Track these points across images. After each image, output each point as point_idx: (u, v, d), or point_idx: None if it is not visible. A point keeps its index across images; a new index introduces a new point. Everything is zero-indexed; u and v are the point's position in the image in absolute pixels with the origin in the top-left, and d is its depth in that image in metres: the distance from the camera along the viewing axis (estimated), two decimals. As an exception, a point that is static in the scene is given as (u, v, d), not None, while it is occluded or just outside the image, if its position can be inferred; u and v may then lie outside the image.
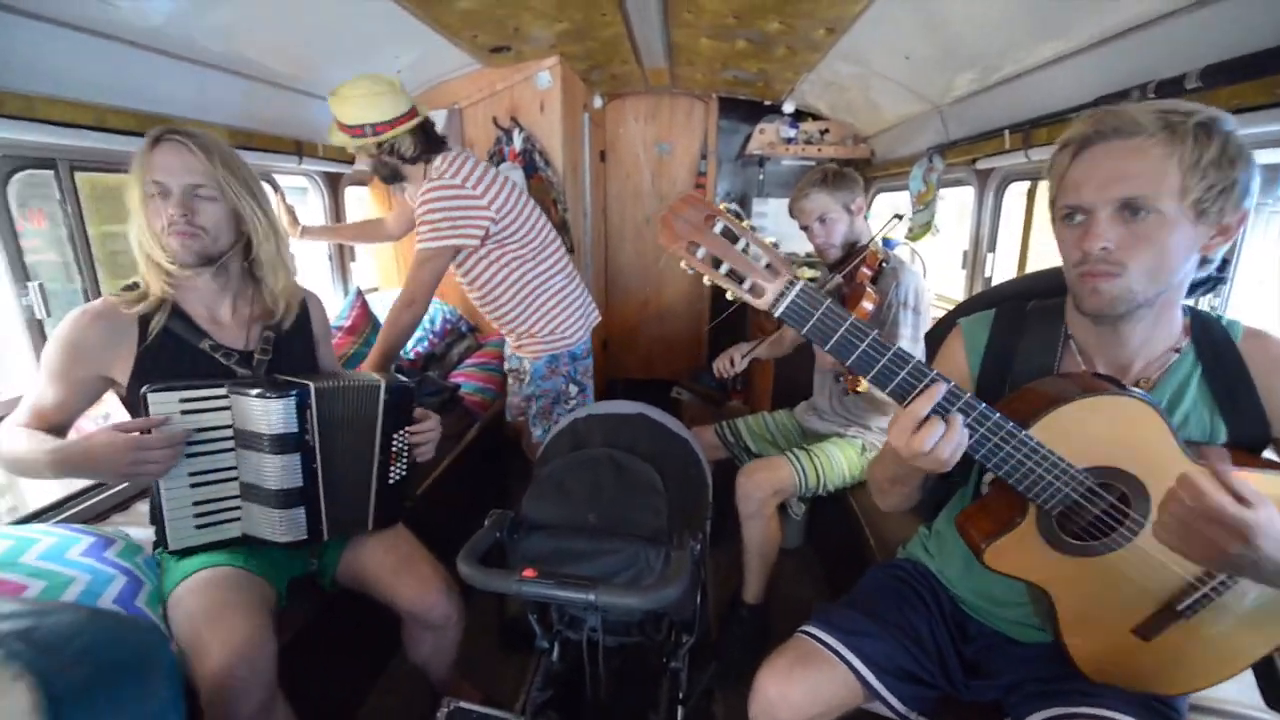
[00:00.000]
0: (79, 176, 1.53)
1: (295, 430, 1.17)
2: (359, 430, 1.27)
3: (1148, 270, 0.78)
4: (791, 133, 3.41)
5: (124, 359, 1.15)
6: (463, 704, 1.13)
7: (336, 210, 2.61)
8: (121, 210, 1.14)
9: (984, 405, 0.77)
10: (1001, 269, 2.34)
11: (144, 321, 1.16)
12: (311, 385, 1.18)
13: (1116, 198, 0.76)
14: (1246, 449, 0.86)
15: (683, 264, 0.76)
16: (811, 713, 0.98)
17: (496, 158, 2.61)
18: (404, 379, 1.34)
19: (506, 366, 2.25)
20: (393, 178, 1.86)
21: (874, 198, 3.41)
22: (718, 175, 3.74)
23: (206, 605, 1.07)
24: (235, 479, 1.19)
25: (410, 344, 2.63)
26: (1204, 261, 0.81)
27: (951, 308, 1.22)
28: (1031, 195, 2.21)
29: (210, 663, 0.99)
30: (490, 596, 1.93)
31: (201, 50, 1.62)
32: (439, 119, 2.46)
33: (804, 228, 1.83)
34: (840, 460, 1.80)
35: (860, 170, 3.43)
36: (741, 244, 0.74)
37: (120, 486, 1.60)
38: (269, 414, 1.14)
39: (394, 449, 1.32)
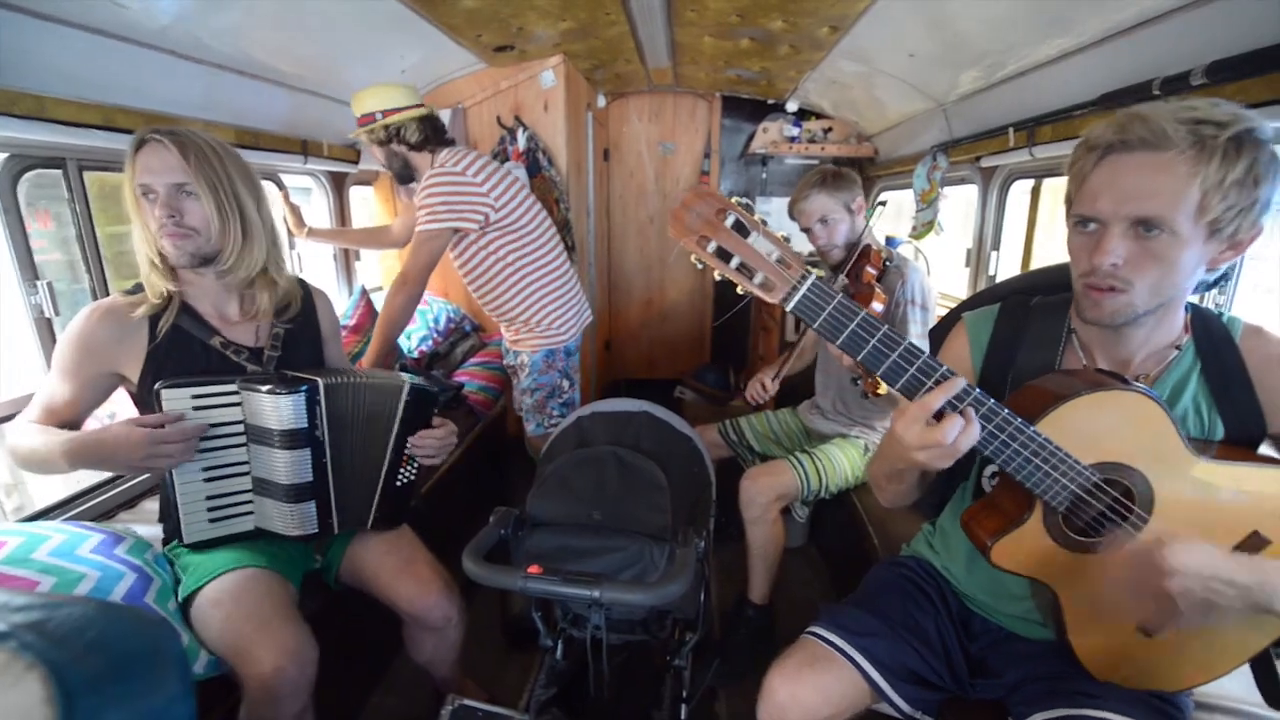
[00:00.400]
0: (87, 176, 1.54)
1: (305, 425, 1.18)
2: (376, 427, 1.28)
3: (1152, 287, 0.78)
4: (795, 131, 3.41)
5: (134, 356, 1.16)
6: (467, 702, 1.13)
7: (341, 210, 2.62)
8: (127, 211, 1.15)
9: (993, 401, 0.77)
10: (1005, 267, 2.33)
11: (154, 319, 1.17)
12: (321, 381, 1.19)
13: (1133, 215, 0.75)
14: (1243, 444, 0.86)
15: (693, 258, 0.76)
16: (822, 715, 0.98)
17: (500, 157, 2.61)
18: (427, 383, 1.34)
19: (505, 363, 2.27)
20: (404, 171, 1.91)
21: (878, 195, 3.40)
22: (721, 174, 3.74)
23: (249, 609, 1.09)
24: (247, 473, 1.21)
25: (414, 343, 2.65)
26: (1208, 271, 0.80)
27: (955, 305, 1.22)
28: (1036, 193, 2.20)
29: (262, 666, 1.02)
30: (494, 594, 1.94)
31: (208, 50, 1.63)
32: (443, 118, 2.47)
33: (805, 230, 1.83)
34: (843, 462, 1.80)
35: (864, 169, 3.42)
36: (753, 238, 0.73)
37: (127, 484, 1.61)
38: (279, 410, 1.15)
39: (406, 452, 1.32)
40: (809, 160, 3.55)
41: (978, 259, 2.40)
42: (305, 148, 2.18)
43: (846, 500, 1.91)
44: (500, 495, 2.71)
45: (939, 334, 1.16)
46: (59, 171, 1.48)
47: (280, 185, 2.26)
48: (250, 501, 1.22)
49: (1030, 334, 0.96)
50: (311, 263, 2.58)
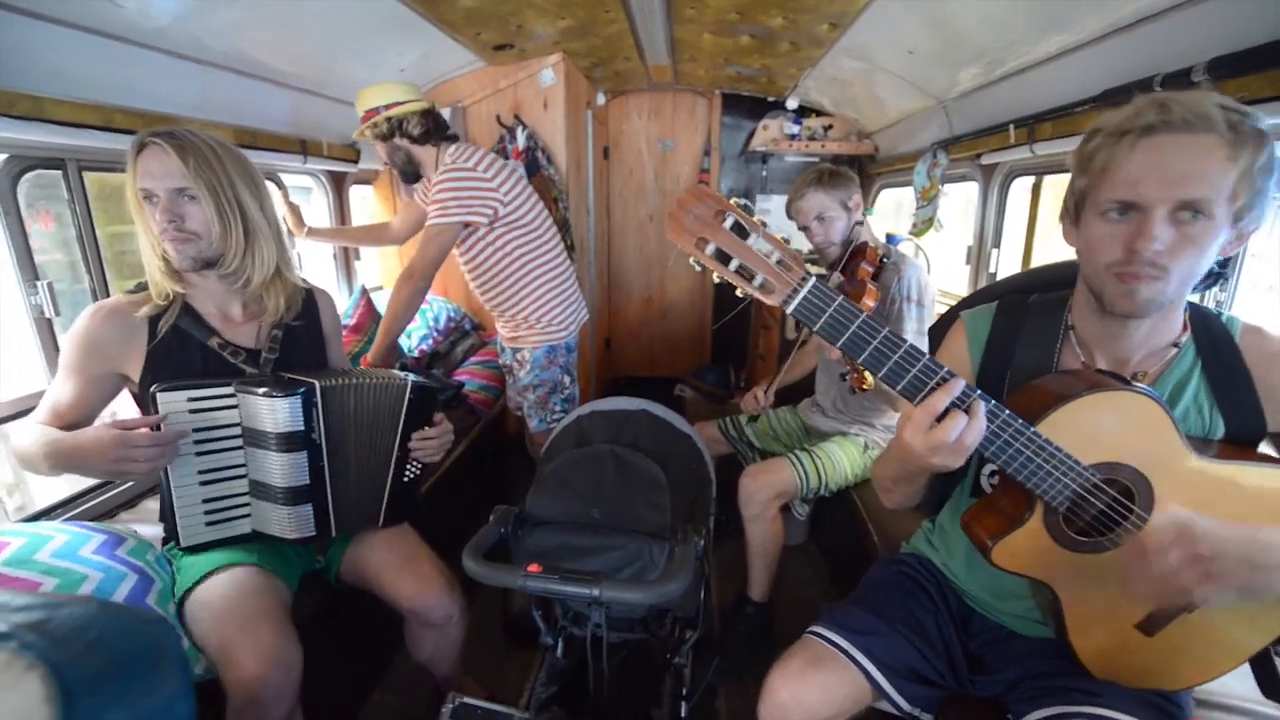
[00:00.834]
0: (87, 176, 1.54)
1: (301, 428, 1.18)
2: (378, 427, 1.28)
3: (1184, 275, 0.76)
4: (795, 129, 3.40)
5: (136, 356, 1.16)
6: (467, 700, 1.14)
7: (341, 209, 2.62)
8: (127, 212, 1.15)
9: (993, 402, 0.76)
10: (1006, 265, 2.33)
11: (154, 319, 1.17)
12: (317, 383, 1.19)
13: (1179, 198, 0.72)
14: (1243, 443, 0.86)
15: (691, 260, 0.75)
16: (824, 715, 0.98)
17: (500, 155, 2.61)
18: (428, 380, 1.35)
19: (501, 361, 2.27)
20: (407, 166, 1.91)
21: (878, 193, 3.40)
22: (721, 172, 3.73)
23: (235, 610, 1.08)
24: (244, 477, 1.21)
25: (414, 342, 2.65)
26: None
27: (955, 303, 1.22)
28: (1036, 190, 2.19)
29: (244, 671, 1.01)
30: (494, 593, 1.95)
31: (206, 50, 1.63)
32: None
33: (802, 228, 1.84)
34: (842, 460, 1.80)
35: (864, 166, 3.42)
36: (752, 239, 0.72)
37: (127, 484, 1.62)
38: (275, 412, 1.15)
39: (410, 449, 1.33)
40: (809, 158, 3.54)
41: (978, 256, 2.39)
42: (304, 147, 2.18)
43: (846, 498, 1.91)
44: (500, 494, 2.71)
45: (937, 332, 1.16)
46: (59, 172, 1.48)
47: (280, 185, 2.26)
48: (248, 505, 1.22)
49: (1028, 332, 0.96)
50: (312, 262, 2.59)
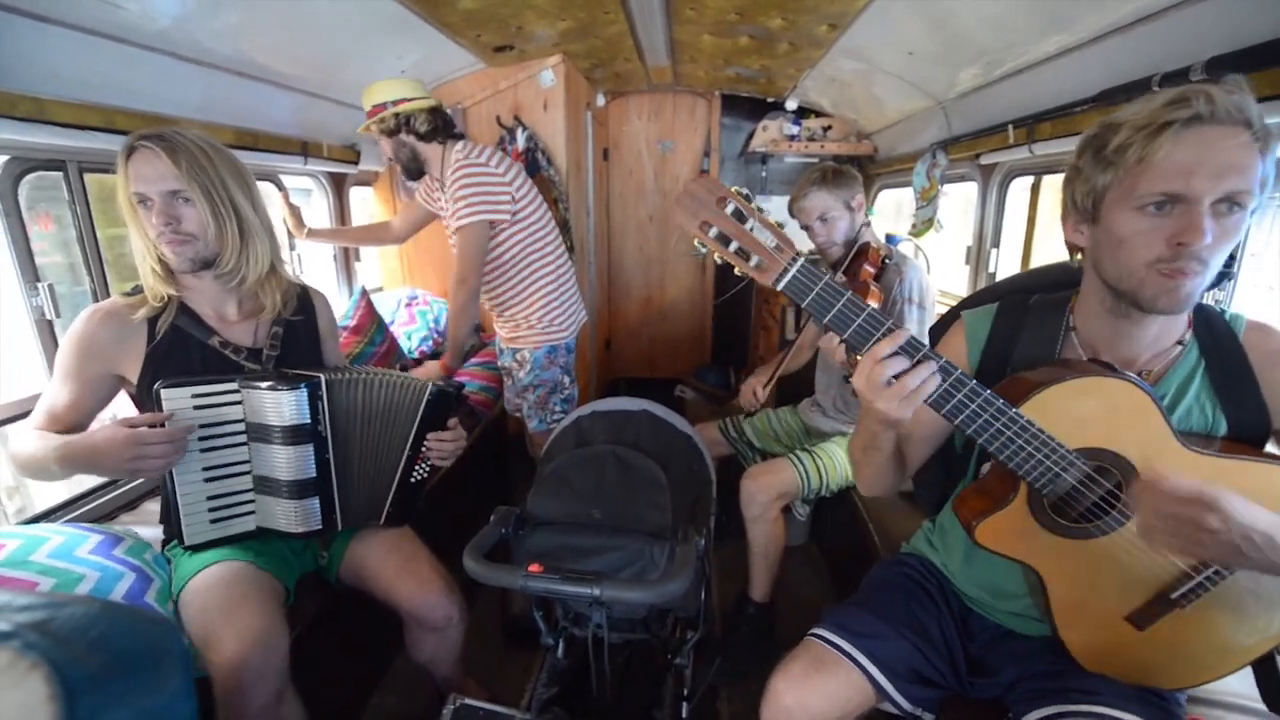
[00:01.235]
0: (88, 178, 1.54)
1: (307, 421, 1.19)
2: (392, 424, 1.30)
3: (1217, 267, 0.75)
4: (794, 129, 3.41)
5: (134, 357, 1.16)
6: (468, 701, 1.14)
7: (341, 211, 2.62)
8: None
9: (975, 381, 0.78)
10: (1005, 265, 2.33)
11: (152, 320, 1.18)
12: (323, 377, 1.21)
13: (1228, 190, 0.70)
14: (1247, 441, 0.86)
15: (695, 241, 0.80)
16: (827, 718, 0.98)
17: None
18: (452, 384, 1.36)
19: (500, 363, 2.26)
20: (412, 162, 1.91)
21: (877, 194, 3.41)
22: (720, 173, 3.74)
23: (220, 598, 1.09)
24: (248, 473, 1.21)
25: (414, 343, 2.65)
26: None
27: (955, 304, 1.22)
28: (1035, 190, 2.20)
29: (225, 653, 1.01)
30: (495, 594, 1.94)
31: (208, 52, 1.63)
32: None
33: (805, 227, 1.83)
34: (843, 460, 1.80)
35: (863, 167, 3.42)
36: (749, 224, 0.77)
37: (128, 486, 1.62)
38: (281, 406, 1.16)
39: (423, 450, 1.34)
40: (808, 158, 3.55)
41: (978, 256, 2.39)
42: (305, 148, 2.18)
43: (847, 498, 1.91)
44: (501, 494, 2.71)
45: (938, 332, 1.16)
46: (60, 174, 1.48)
47: (280, 186, 2.26)
48: (252, 501, 1.23)
49: (1028, 331, 0.96)
50: (312, 264, 2.59)
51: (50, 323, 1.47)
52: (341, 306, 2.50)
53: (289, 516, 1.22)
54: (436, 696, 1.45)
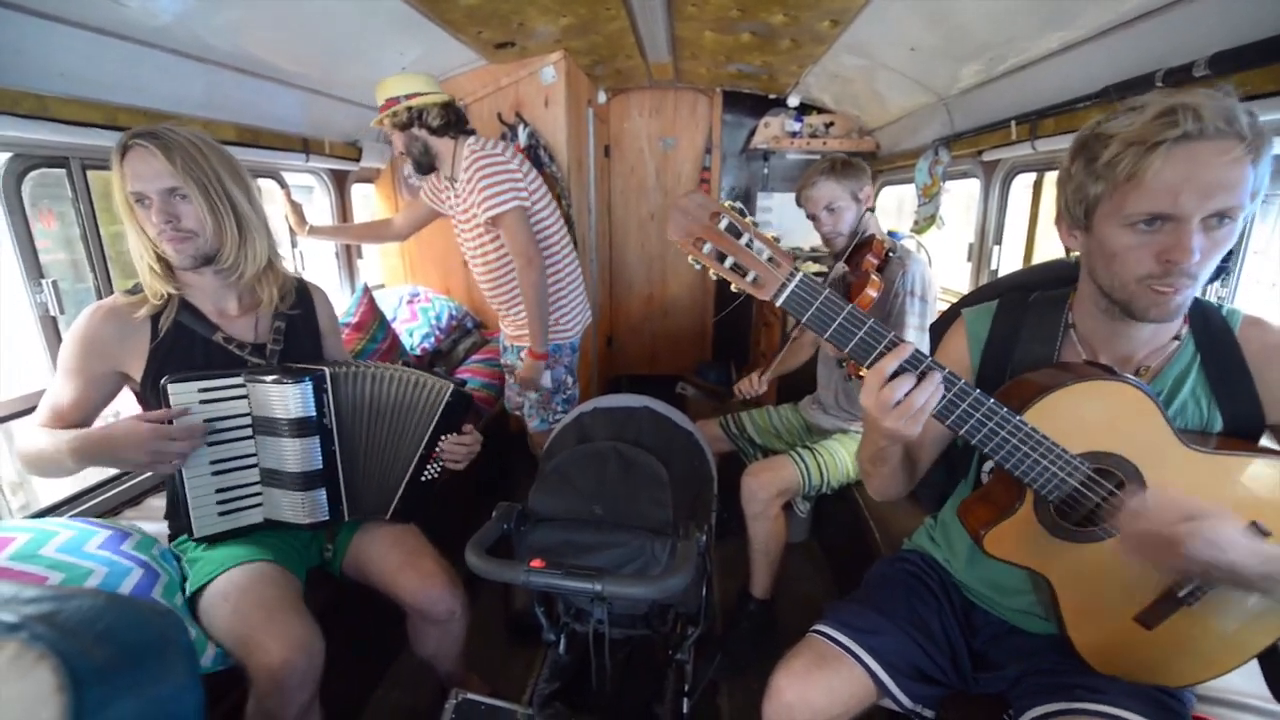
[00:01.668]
0: (91, 175, 1.55)
1: (313, 414, 1.21)
2: (406, 420, 1.31)
3: (1206, 276, 0.76)
4: (796, 126, 3.40)
5: (137, 354, 1.17)
6: (470, 695, 1.14)
7: (343, 208, 2.63)
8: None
9: (979, 391, 0.78)
10: (1007, 261, 2.32)
11: (155, 317, 1.18)
12: (327, 370, 1.23)
13: (1216, 208, 0.70)
14: (1243, 436, 0.86)
15: (689, 258, 0.79)
16: (829, 714, 0.98)
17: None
18: (465, 387, 1.37)
19: (503, 361, 2.26)
20: (424, 156, 1.90)
21: (879, 190, 3.40)
22: (722, 170, 3.73)
23: (257, 600, 1.10)
24: (255, 465, 1.23)
25: (416, 340, 2.66)
26: None
27: (956, 300, 1.22)
28: (1038, 187, 2.19)
29: (271, 657, 1.03)
30: (497, 590, 1.95)
31: (209, 49, 1.63)
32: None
33: (811, 216, 1.83)
34: (844, 457, 1.80)
35: (866, 164, 3.41)
36: (744, 239, 0.76)
37: (132, 481, 1.62)
38: (286, 399, 1.18)
39: (437, 450, 1.35)
40: (810, 155, 3.54)
41: (980, 253, 2.39)
42: (306, 145, 2.18)
43: (848, 495, 1.91)
44: (503, 491, 2.72)
45: (939, 330, 1.16)
46: (63, 171, 1.49)
47: (282, 183, 2.26)
48: (259, 494, 1.24)
49: (1027, 329, 0.96)
50: (314, 261, 2.59)
51: (54, 319, 1.48)
52: (343, 303, 2.51)
53: (296, 508, 1.24)
54: (439, 691, 1.46)
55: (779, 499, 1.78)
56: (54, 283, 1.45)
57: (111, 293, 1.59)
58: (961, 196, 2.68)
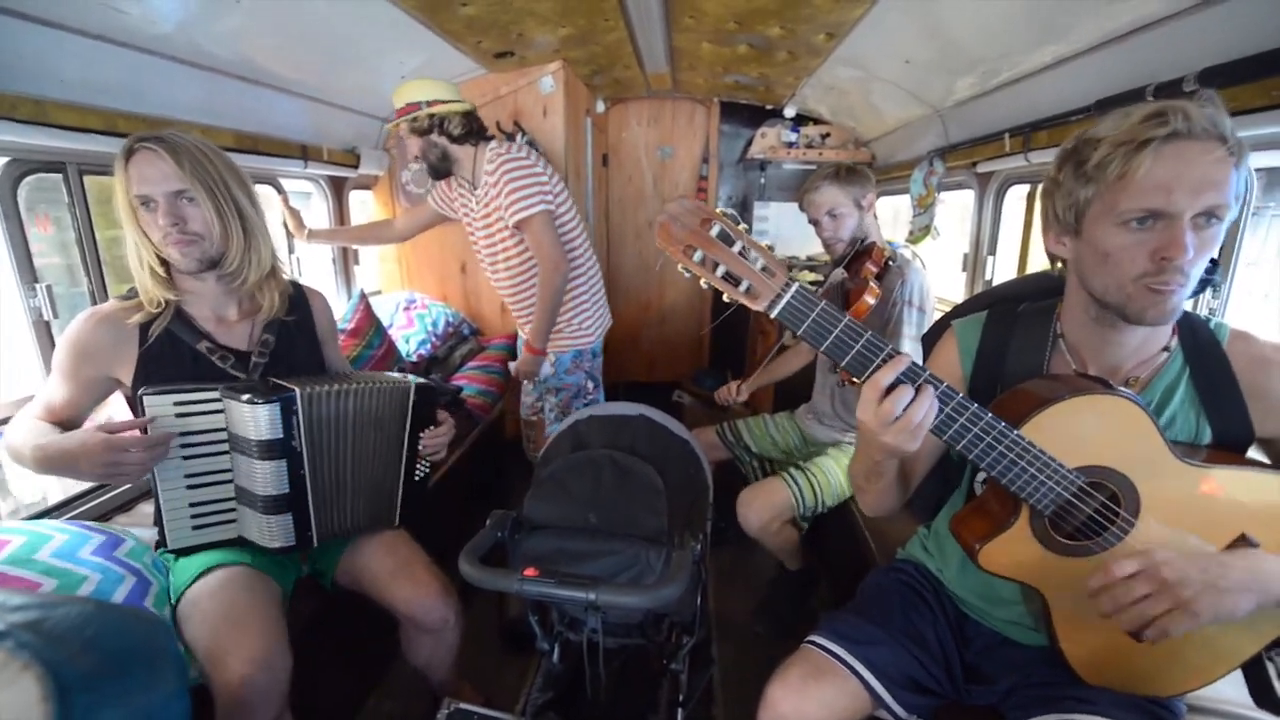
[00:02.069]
0: (87, 180, 1.55)
1: (280, 436, 1.16)
2: (381, 430, 1.29)
3: (1197, 277, 0.76)
4: (793, 137, 3.43)
5: (127, 361, 1.17)
6: (463, 705, 1.13)
7: (340, 214, 2.63)
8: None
9: (976, 405, 0.77)
10: (1001, 272, 2.34)
11: (146, 325, 1.18)
12: (299, 391, 1.17)
13: (1207, 205, 0.72)
14: (1231, 448, 0.86)
15: (680, 267, 0.76)
16: None
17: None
18: (428, 379, 1.36)
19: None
20: (441, 163, 1.89)
21: (875, 201, 3.42)
22: (719, 179, 3.75)
23: (224, 610, 1.08)
24: (231, 481, 1.20)
25: (412, 347, 2.65)
26: None
27: (945, 313, 1.23)
28: (1031, 199, 2.21)
29: (230, 673, 1.00)
30: (491, 598, 1.94)
31: (209, 56, 1.64)
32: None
33: (813, 221, 1.83)
34: (837, 474, 1.80)
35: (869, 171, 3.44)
36: (737, 247, 0.74)
37: (123, 488, 1.61)
38: (256, 419, 1.14)
39: (420, 448, 1.34)
40: (807, 165, 3.56)
41: (974, 263, 2.41)
42: (305, 152, 2.19)
43: (843, 506, 1.91)
44: (497, 498, 2.71)
45: (929, 342, 1.16)
46: (59, 176, 1.49)
47: (280, 189, 2.27)
48: (234, 510, 1.21)
49: (1017, 340, 0.96)
50: (310, 266, 2.59)
51: (48, 324, 1.47)
52: (340, 309, 2.51)
53: (263, 530, 1.20)
54: (432, 700, 1.44)
55: (774, 522, 1.79)
56: (48, 287, 1.45)
57: (106, 297, 1.59)
58: (956, 208, 2.70)
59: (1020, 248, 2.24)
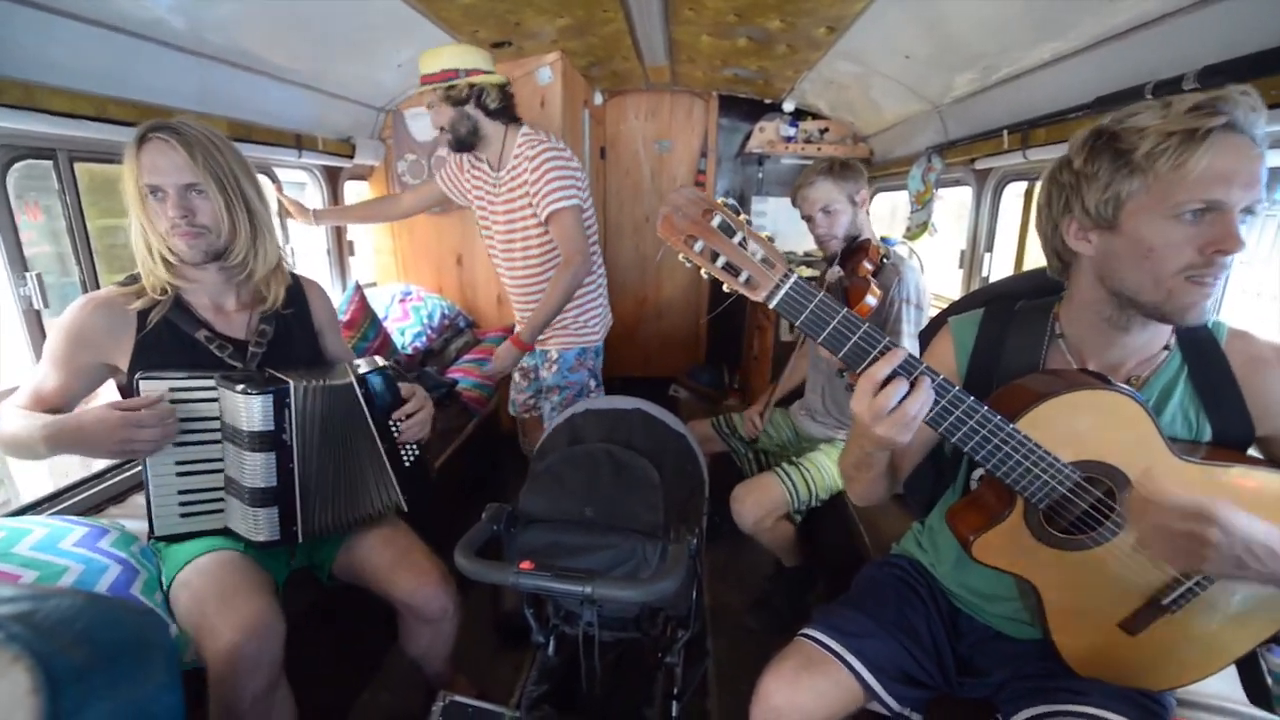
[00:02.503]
0: (78, 167, 1.53)
1: (271, 429, 1.15)
2: (354, 426, 1.27)
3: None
4: (791, 131, 3.42)
5: (125, 347, 1.16)
6: (458, 697, 1.14)
7: (335, 204, 2.61)
8: (119, 204, 1.14)
9: (972, 398, 0.78)
10: (999, 268, 2.35)
11: (144, 311, 1.17)
12: (291, 383, 1.16)
13: (1254, 199, 0.71)
14: (1231, 447, 0.87)
15: (681, 256, 0.77)
16: (817, 718, 0.98)
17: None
18: (378, 364, 1.32)
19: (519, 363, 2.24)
20: (470, 136, 1.81)
21: (873, 197, 3.42)
22: (717, 173, 3.74)
23: (214, 586, 1.08)
24: (221, 470, 1.20)
25: (408, 339, 2.64)
26: None
27: (942, 309, 1.23)
28: (1029, 195, 2.21)
29: (220, 641, 1.01)
30: (486, 591, 1.94)
31: (202, 42, 1.62)
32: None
33: (806, 217, 1.82)
34: (830, 468, 1.81)
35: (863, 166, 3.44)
36: (738, 238, 0.75)
37: (116, 479, 1.60)
38: (249, 410, 1.13)
39: (395, 434, 1.32)
40: (805, 160, 3.56)
41: (971, 260, 2.41)
42: (299, 141, 2.16)
43: (837, 501, 1.92)
44: (493, 492, 2.70)
45: (925, 338, 1.17)
46: (49, 163, 1.47)
47: (274, 179, 2.25)
48: (222, 499, 1.21)
49: (1013, 337, 0.96)
50: (305, 257, 2.57)
51: (38, 313, 1.45)
52: (335, 301, 2.48)
53: (248, 522, 1.18)
54: (427, 693, 1.44)
55: (768, 517, 1.79)
56: (38, 276, 1.43)
57: (98, 286, 1.57)
58: (953, 204, 2.71)
59: (1017, 244, 2.24)
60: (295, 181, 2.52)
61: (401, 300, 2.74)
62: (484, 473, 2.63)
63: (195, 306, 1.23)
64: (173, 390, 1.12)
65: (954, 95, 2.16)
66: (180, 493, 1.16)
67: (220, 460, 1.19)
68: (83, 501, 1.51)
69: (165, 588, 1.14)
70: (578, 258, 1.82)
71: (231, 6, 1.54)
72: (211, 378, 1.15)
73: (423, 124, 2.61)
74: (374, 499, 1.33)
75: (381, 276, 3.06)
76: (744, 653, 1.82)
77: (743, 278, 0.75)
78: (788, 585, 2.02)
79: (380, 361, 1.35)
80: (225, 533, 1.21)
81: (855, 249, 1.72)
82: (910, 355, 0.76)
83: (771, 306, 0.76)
